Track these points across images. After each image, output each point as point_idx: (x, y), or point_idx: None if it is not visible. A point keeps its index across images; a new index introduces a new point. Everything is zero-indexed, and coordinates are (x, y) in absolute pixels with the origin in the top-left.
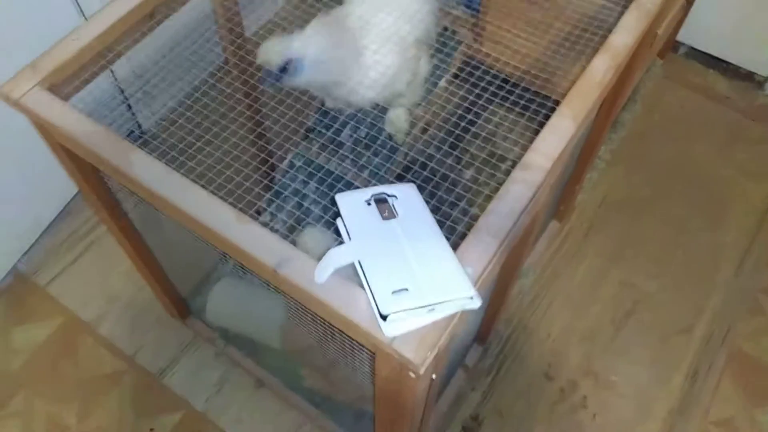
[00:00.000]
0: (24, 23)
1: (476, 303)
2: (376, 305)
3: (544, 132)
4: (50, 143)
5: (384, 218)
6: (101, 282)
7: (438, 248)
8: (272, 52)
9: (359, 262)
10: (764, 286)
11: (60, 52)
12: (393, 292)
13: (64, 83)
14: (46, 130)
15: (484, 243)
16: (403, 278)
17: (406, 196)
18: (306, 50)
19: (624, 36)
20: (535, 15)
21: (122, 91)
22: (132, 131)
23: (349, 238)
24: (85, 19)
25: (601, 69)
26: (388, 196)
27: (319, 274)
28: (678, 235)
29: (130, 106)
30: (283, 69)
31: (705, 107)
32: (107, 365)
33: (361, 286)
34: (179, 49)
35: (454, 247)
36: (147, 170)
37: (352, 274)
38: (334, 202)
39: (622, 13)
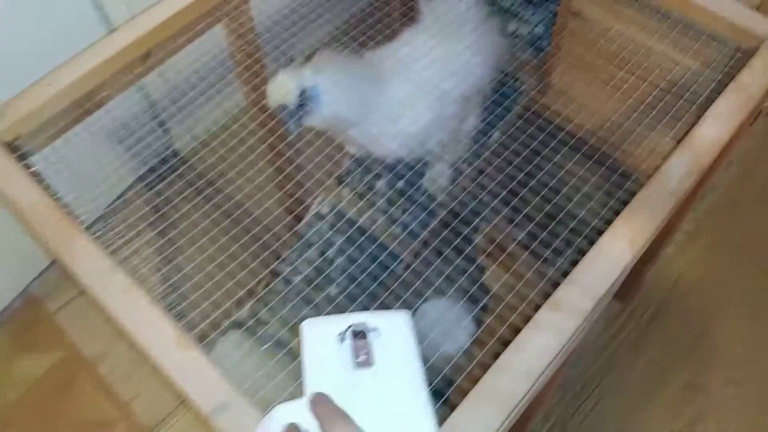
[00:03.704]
0: (41, 31)
1: None
2: None
3: (589, 257)
4: None
5: (357, 365)
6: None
7: (418, 425)
8: (285, 87)
9: None
10: None
11: (27, 101)
12: None
13: (30, 136)
14: None
15: (483, 415)
16: None
17: (393, 329)
18: (319, 78)
19: (714, 128)
20: (612, 70)
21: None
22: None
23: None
24: (111, 30)
25: (677, 173)
26: (369, 330)
27: None
28: (767, 336)
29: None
30: (301, 105)
31: None
32: (100, 411)
33: None
34: (195, 90)
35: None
36: (88, 263)
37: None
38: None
39: (717, 82)
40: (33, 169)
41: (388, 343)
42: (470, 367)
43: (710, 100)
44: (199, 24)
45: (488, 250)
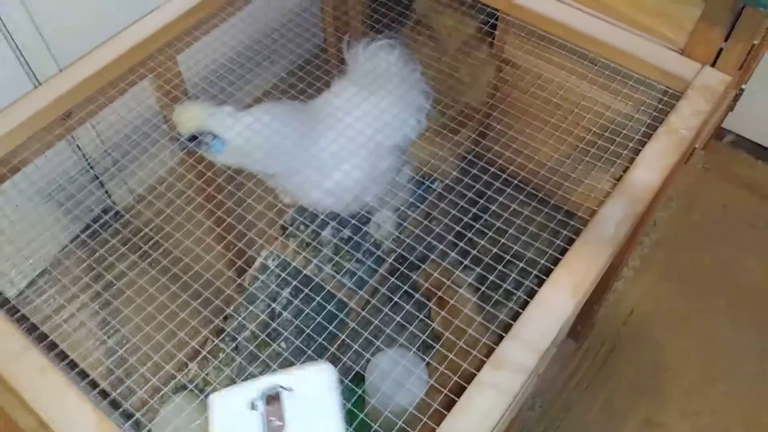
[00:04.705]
0: None
1: None
2: None
3: (529, 311)
4: None
5: (270, 430)
6: None
7: None
8: (182, 119)
9: None
10: None
11: None
12: None
13: None
14: None
15: None
16: None
17: (312, 385)
18: (223, 130)
19: (647, 171)
20: (546, 117)
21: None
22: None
23: None
24: (38, 83)
25: (614, 218)
26: (282, 391)
27: None
28: (718, 363)
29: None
30: (193, 139)
31: (752, 206)
32: None
33: None
34: (129, 142)
35: None
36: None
37: None
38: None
39: (648, 125)
40: None
41: (306, 401)
42: (418, 428)
43: (642, 143)
44: (124, 81)
45: (436, 296)
